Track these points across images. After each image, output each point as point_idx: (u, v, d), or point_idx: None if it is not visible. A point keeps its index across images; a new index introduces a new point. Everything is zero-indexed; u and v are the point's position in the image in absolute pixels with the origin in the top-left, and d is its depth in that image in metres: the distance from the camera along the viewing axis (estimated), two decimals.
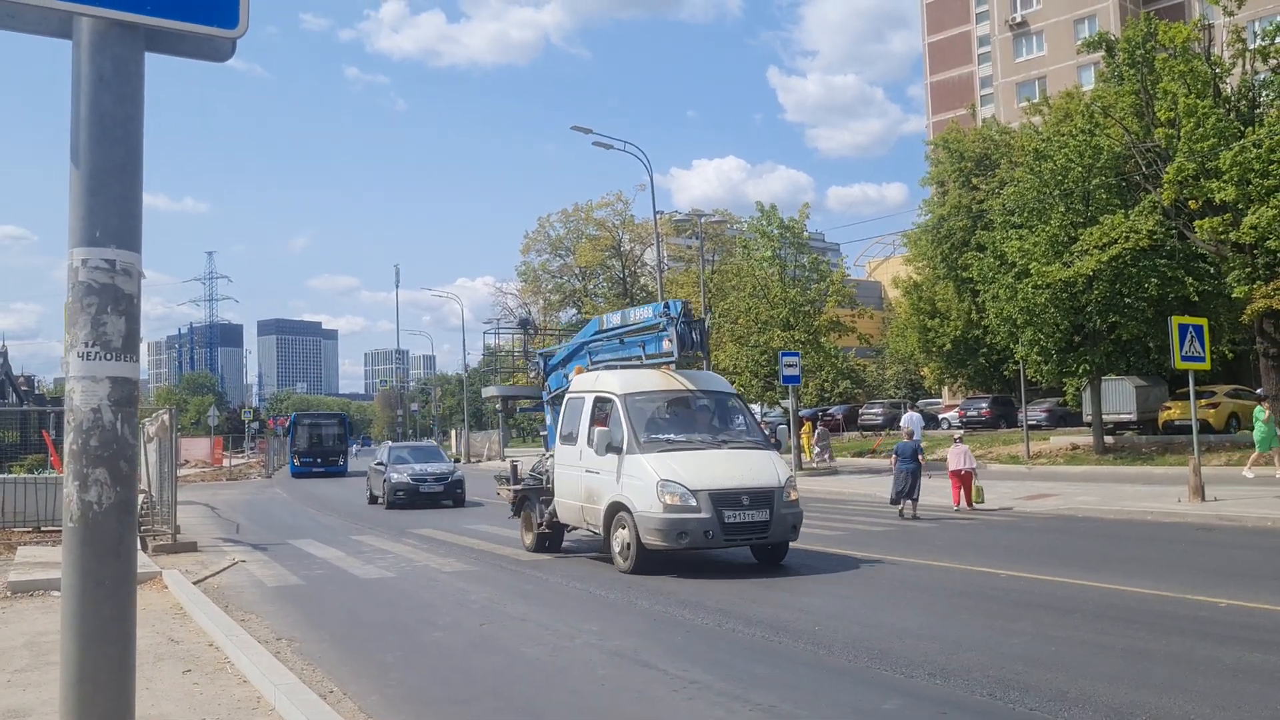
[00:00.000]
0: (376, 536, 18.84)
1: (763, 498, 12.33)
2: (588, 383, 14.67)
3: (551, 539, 15.34)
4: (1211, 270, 27.80)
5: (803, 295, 35.27)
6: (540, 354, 18.35)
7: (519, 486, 16.31)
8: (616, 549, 12.88)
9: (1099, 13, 62.23)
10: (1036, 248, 28.74)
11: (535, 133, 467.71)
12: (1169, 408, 33.85)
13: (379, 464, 28.21)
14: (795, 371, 29.52)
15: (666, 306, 14.33)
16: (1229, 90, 27.89)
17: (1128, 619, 9.17)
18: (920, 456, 19.52)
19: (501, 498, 17.43)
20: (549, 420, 16.97)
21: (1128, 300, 28.19)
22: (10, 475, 19.79)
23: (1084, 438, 33.49)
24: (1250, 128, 26.10)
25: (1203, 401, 29.78)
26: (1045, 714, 6.31)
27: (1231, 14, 26.60)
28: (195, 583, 12.51)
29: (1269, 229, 24.51)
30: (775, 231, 36.18)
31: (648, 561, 12.47)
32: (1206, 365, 19.78)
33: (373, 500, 28.14)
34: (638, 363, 15.19)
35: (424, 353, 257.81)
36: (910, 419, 30.59)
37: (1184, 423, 28.80)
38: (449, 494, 26.24)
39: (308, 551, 16.67)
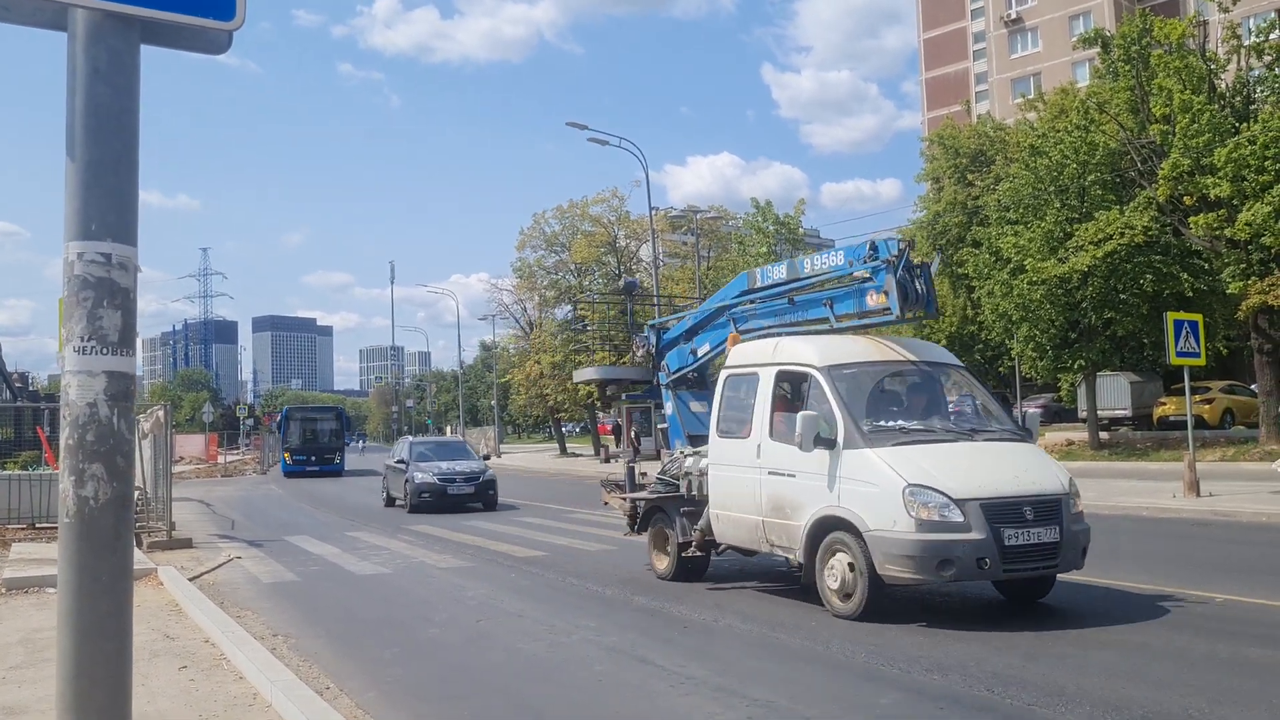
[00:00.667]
0: (372, 533, 18.82)
1: (1049, 510, 9.01)
2: (760, 354, 10.96)
3: (695, 564, 11.80)
4: (1206, 266, 27.84)
5: None
6: (650, 326, 14.73)
7: (646, 494, 12.76)
8: (831, 583, 9.23)
9: (1094, 9, 62.27)
10: (1032, 244, 28.77)
11: (529, 129, 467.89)
12: (1164, 403, 33.94)
13: (399, 462, 25.04)
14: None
15: (874, 248, 10.46)
16: (1224, 86, 27.91)
17: (1124, 615, 9.17)
18: None
19: (613, 508, 14.02)
20: (669, 408, 13.69)
21: (1123, 296, 28.23)
22: (5, 472, 19.73)
23: (1079, 433, 33.55)
24: (1245, 124, 26.12)
25: (1198, 397, 29.85)
26: (1043, 709, 6.31)
27: (1227, 10, 26.63)
28: (191, 579, 12.49)
29: (1264, 225, 24.54)
30: (771, 227, 36.20)
31: (881, 600, 9.11)
32: (1201, 361, 19.81)
33: (390, 503, 25.43)
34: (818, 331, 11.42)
35: (419, 349, 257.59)
36: None
37: (1179, 418, 28.88)
38: (480, 495, 23.47)
39: (303, 548, 16.64)
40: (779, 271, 11.93)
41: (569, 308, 51.42)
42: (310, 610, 10.96)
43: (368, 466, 49.74)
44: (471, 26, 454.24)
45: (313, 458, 44.47)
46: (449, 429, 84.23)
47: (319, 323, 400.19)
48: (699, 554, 11.60)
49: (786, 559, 10.24)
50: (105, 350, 2.87)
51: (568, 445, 60.15)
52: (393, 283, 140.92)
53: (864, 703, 6.66)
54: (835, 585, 9.21)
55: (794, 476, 9.72)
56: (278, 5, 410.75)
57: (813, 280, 11.43)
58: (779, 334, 11.44)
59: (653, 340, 14.32)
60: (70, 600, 2.84)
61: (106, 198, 2.91)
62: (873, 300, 10.36)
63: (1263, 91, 27.35)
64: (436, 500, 22.82)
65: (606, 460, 45.85)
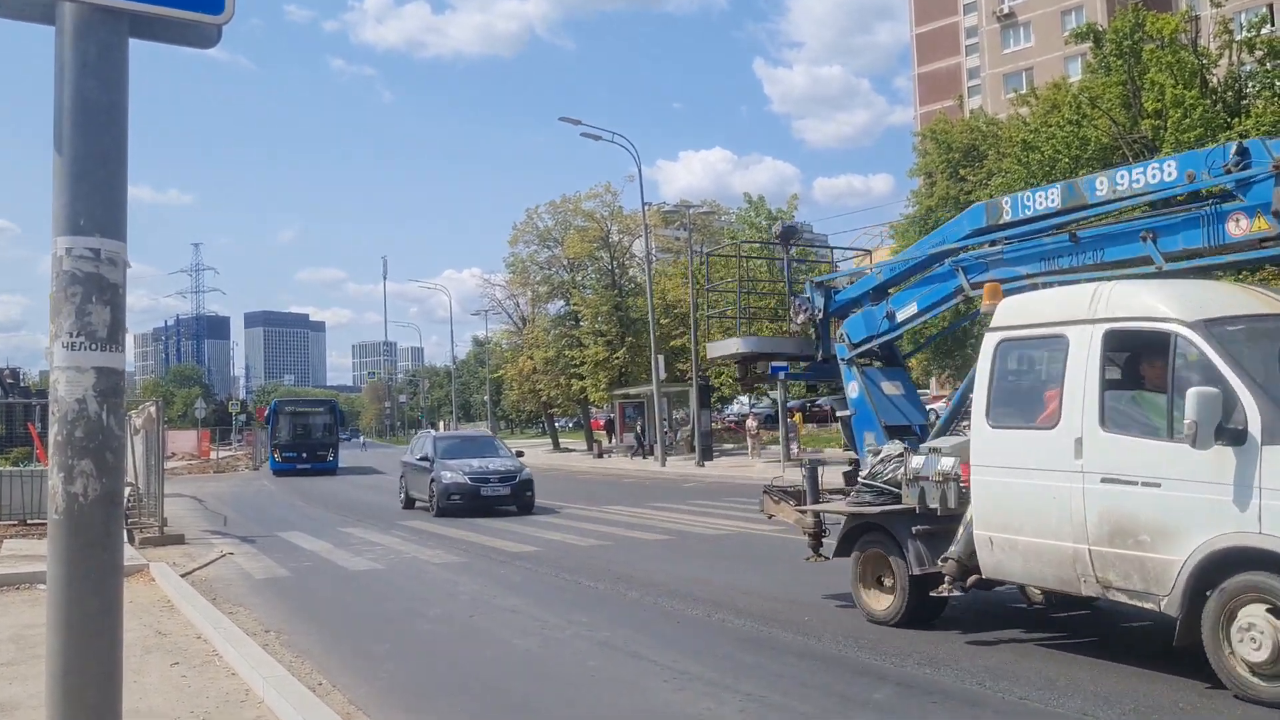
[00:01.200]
0: (365, 529, 18.80)
1: None
2: (1068, 307, 7.55)
3: (936, 604, 8.57)
4: None
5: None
6: (814, 283, 11.15)
7: (857, 507, 9.22)
8: (1248, 650, 6.07)
9: (1086, 4, 62.34)
10: None
11: (521, 124, 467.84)
12: None
13: (421, 459, 22.36)
14: (783, 363, 29.44)
15: (1242, 152, 7.25)
16: (1216, 81, 27.96)
17: (1114, 607, 9.19)
18: None
19: (793, 525, 10.84)
20: (854, 390, 10.25)
21: None
22: None
23: None
24: (1237, 119, 26.17)
25: None
26: (1035, 702, 6.33)
27: (1219, 5, 26.69)
28: (183, 575, 12.47)
29: None
30: (764, 222, 36.21)
31: None
32: None
33: (409, 504, 22.93)
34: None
35: (412, 345, 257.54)
36: None
37: None
38: (516, 497, 20.66)
39: (296, 544, 16.62)
40: (1049, 198, 8.61)
41: (562, 303, 51.33)
42: (303, 606, 10.94)
43: (367, 464, 49.68)
44: (463, 21, 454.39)
45: (304, 454, 41.27)
46: (442, 424, 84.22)
47: (311, 318, 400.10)
48: (946, 592, 8.19)
49: (1138, 606, 6.97)
50: (94, 346, 2.86)
51: (561, 441, 60.15)
52: (385, 278, 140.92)
53: (858, 697, 6.68)
54: (1256, 655, 6.06)
55: (1157, 486, 6.57)
56: (268, 0, 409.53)
57: (1111, 207, 8.39)
58: (1049, 285, 8.37)
59: (818, 303, 10.93)
60: (60, 597, 2.83)
61: (95, 193, 2.89)
62: (1240, 227, 7.26)
63: (1254, 86, 27.40)
64: (468, 503, 20.20)
65: (600, 456, 45.87)
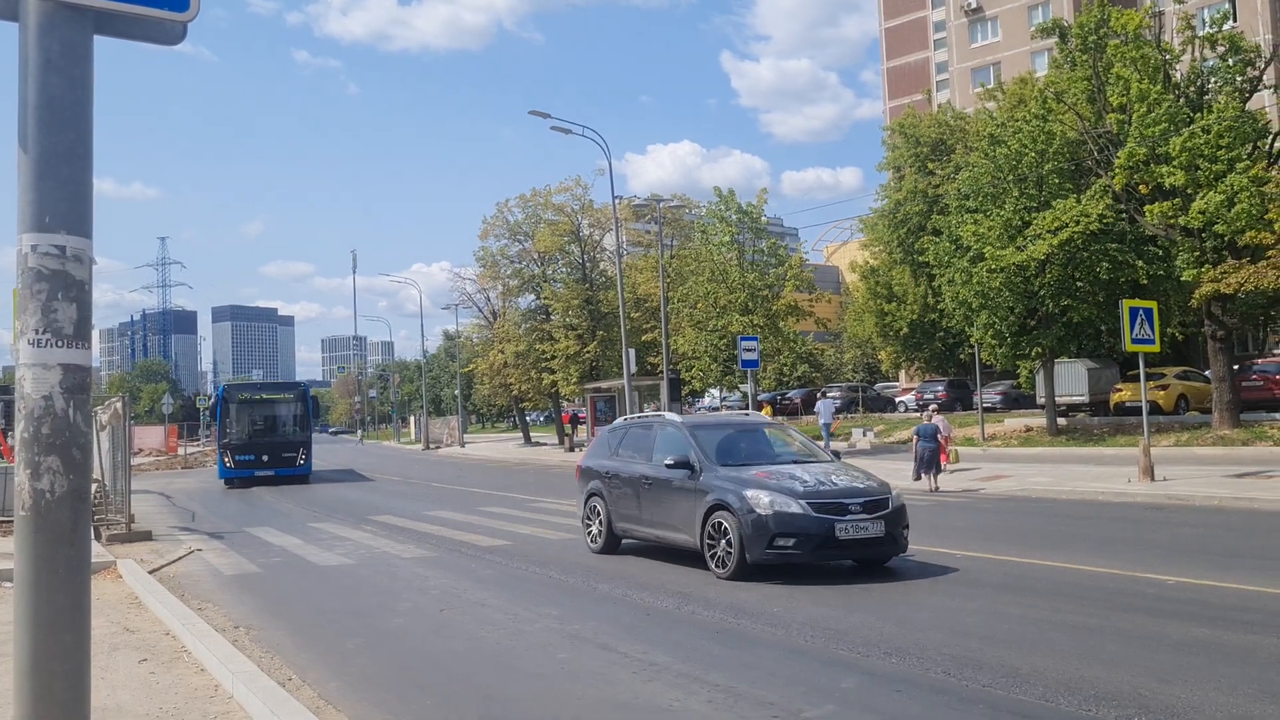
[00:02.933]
0: (334, 524, 18.74)
1: None
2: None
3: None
4: (1161, 254, 28.25)
5: (761, 280, 35.45)
6: None
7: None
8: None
9: None
10: (991, 232, 29.07)
11: (490, 117, 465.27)
12: (1120, 389, 34.42)
13: (675, 465, 12.13)
14: (753, 356, 29.62)
15: None
16: (1179, 77, 28.28)
17: (1079, 596, 9.35)
18: (940, 436, 21.33)
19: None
20: None
21: (1079, 284, 28.61)
22: None
23: (1038, 419, 33.97)
24: (1199, 114, 26.50)
25: (1153, 384, 30.32)
26: (998, 690, 6.43)
27: (1181, 1, 26.96)
28: (151, 572, 12.40)
29: (1216, 214, 24.93)
30: (733, 217, 36.30)
31: None
32: (1156, 348, 20.14)
33: (613, 544, 13.48)
34: None
35: (382, 339, 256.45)
36: (821, 405, 35.14)
37: (1135, 404, 29.33)
38: (889, 540, 11.14)
39: (265, 539, 16.54)
40: None
41: (532, 296, 51.23)
42: (272, 602, 10.91)
43: (343, 463, 48.72)
44: (430, 14, 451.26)
45: (263, 457, 31.75)
46: (412, 420, 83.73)
47: (280, 313, 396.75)
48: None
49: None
50: (60, 343, 2.87)
51: (532, 434, 60.07)
52: (355, 272, 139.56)
53: (824, 686, 6.75)
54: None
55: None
56: None
57: None
58: None
59: None
60: (27, 593, 2.84)
61: (60, 189, 2.90)
62: None
63: (1216, 82, 27.73)
64: (812, 552, 10.89)
65: (571, 449, 45.87)
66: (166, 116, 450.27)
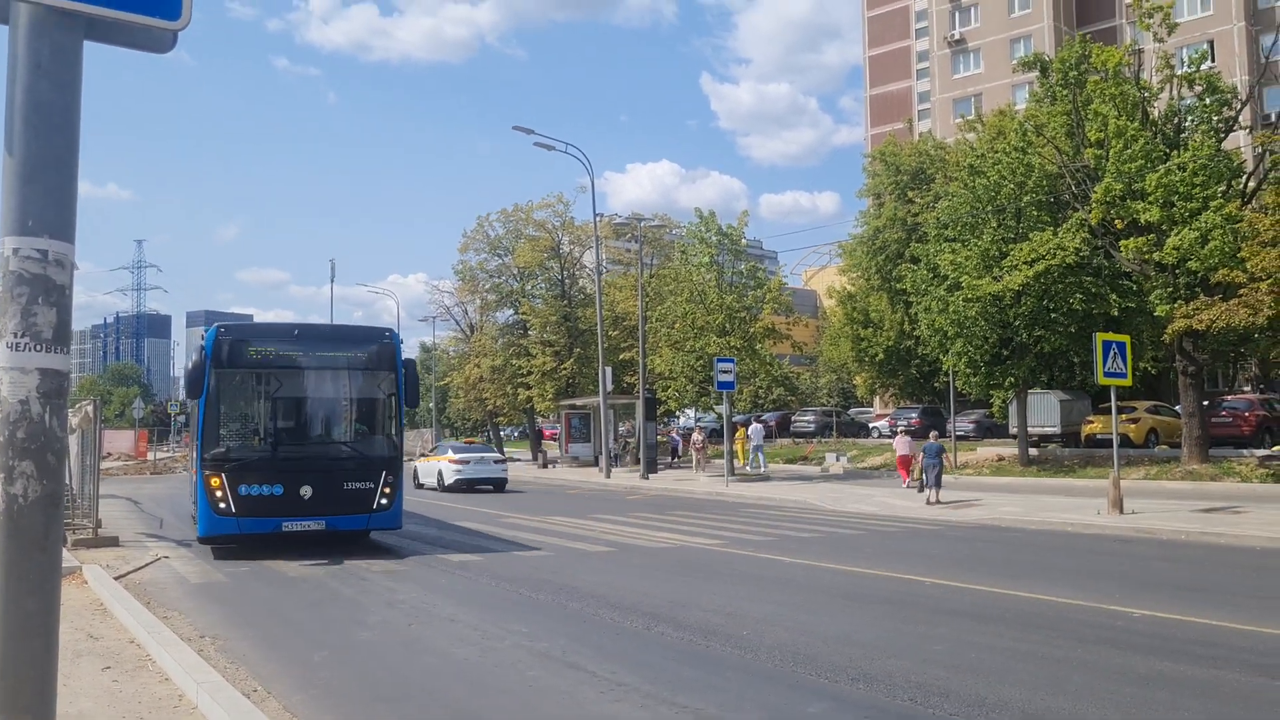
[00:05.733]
0: None
1: None
2: None
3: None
4: (1135, 288, 28.57)
5: (739, 302, 35.57)
6: None
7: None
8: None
9: (1034, 33, 63.58)
10: (968, 261, 29.31)
11: (470, 131, 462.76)
12: (1091, 422, 34.71)
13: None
14: (730, 378, 29.72)
15: None
16: (1156, 114, 28.67)
17: (1046, 627, 9.41)
18: (942, 455, 23.58)
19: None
20: None
21: (1054, 315, 28.88)
22: None
23: (1009, 449, 34.18)
24: (1175, 151, 26.87)
25: (1124, 417, 30.58)
26: (964, 719, 6.46)
27: (1161, 40, 27.35)
28: (117, 578, 12.27)
29: (1190, 250, 25.24)
30: (713, 238, 36.44)
31: None
32: (1128, 381, 20.34)
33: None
34: None
35: None
36: (753, 430, 37.13)
37: (1105, 437, 29.56)
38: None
39: (233, 548, 16.39)
40: None
41: (511, 312, 51.18)
42: (239, 611, 10.83)
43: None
44: (412, 25, 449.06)
45: (303, 491, 15.04)
46: None
47: (255, 319, 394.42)
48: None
49: None
50: (39, 347, 2.86)
51: (506, 450, 59.91)
52: (333, 281, 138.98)
53: (791, 711, 6.76)
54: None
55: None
56: None
57: None
58: None
59: None
60: None
61: (45, 194, 2.89)
62: None
63: (1193, 120, 28.12)
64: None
65: (545, 466, 45.76)
66: (143, 118, 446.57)
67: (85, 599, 10.96)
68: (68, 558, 13.37)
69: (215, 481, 14.49)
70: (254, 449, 15.14)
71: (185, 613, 10.53)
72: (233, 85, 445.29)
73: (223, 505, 14.54)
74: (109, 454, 51.23)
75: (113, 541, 16.34)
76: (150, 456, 54.55)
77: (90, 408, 17.67)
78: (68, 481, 17.70)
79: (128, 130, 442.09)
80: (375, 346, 16.07)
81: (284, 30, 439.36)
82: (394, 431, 16.07)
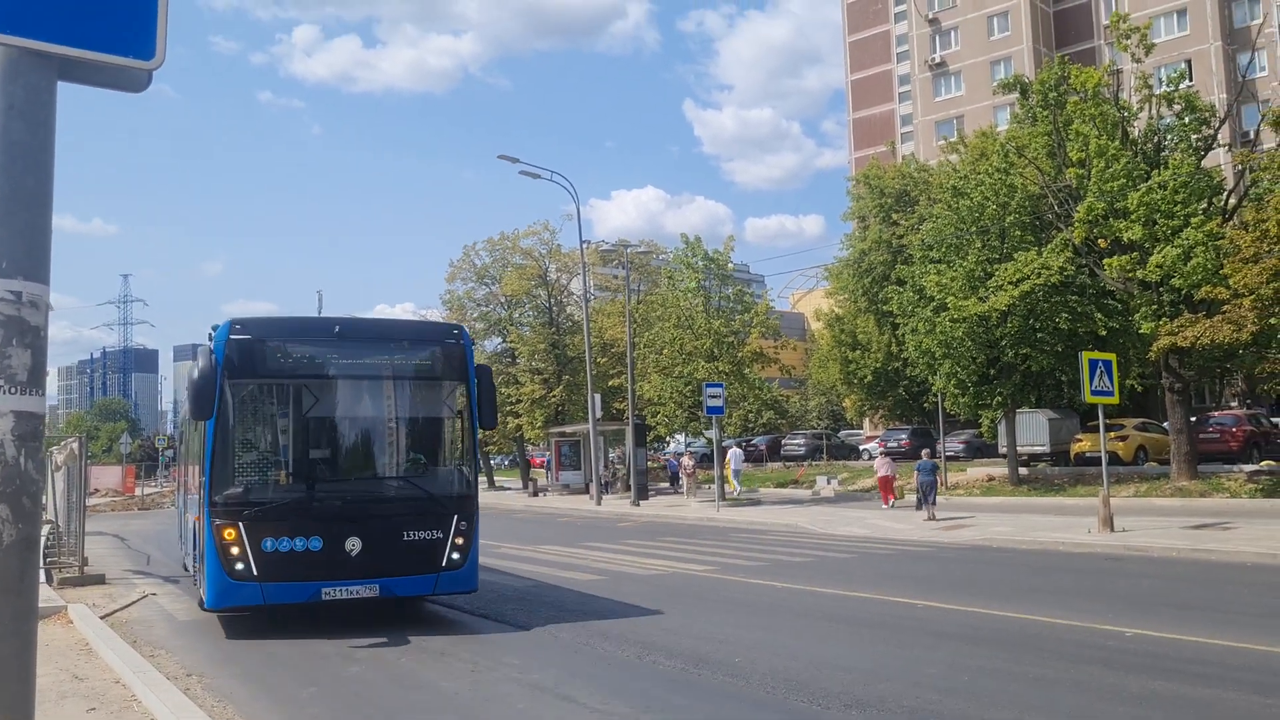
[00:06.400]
0: None
1: None
2: None
3: None
4: (1120, 306, 28.71)
5: (727, 326, 35.61)
6: None
7: None
8: None
9: (1014, 55, 64.13)
10: (954, 282, 29.43)
11: (455, 160, 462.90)
12: (1080, 440, 34.76)
13: None
14: (719, 402, 29.72)
15: None
16: (1136, 134, 28.91)
17: (1039, 648, 9.38)
18: (936, 473, 24.78)
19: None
20: None
21: (1040, 334, 29.00)
22: None
23: (999, 469, 34.20)
24: (1156, 170, 27.07)
25: (1112, 434, 30.66)
26: None
27: (1139, 60, 27.62)
28: (102, 617, 12.16)
29: (1173, 267, 25.39)
30: (700, 263, 36.52)
31: None
32: (1115, 399, 20.40)
33: None
34: None
35: None
36: (732, 454, 36.07)
37: (1094, 455, 29.60)
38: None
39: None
40: None
41: (499, 340, 51.16)
42: (227, 648, 10.73)
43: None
44: (395, 56, 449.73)
45: (349, 545, 11.09)
46: None
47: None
48: None
49: None
50: (14, 389, 2.83)
51: (496, 478, 59.70)
52: (320, 313, 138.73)
53: None
54: None
55: None
56: (194, 31, 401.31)
57: None
58: None
59: None
60: None
61: (18, 235, 2.87)
62: None
63: (1172, 139, 28.36)
64: None
65: (535, 494, 45.61)
66: (127, 153, 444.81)
67: (70, 639, 10.85)
68: (53, 597, 13.26)
69: (230, 533, 10.64)
70: (283, 488, 11.35)
71: (172, 651, 10.43)
72: (217, 119, 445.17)
73: (240, 566, 10.66)
74: (96, 490, 50.91)
75: (99, 579, 16.21)
76: (138, 492, 54.19)
77: (76, 444, 17.57)
78: (54, 519, 17.61)
79: (112, 165, 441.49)
80: (440, 349, 12.28)
81: (267, 64, 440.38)
82: (466, 462, 12.41)
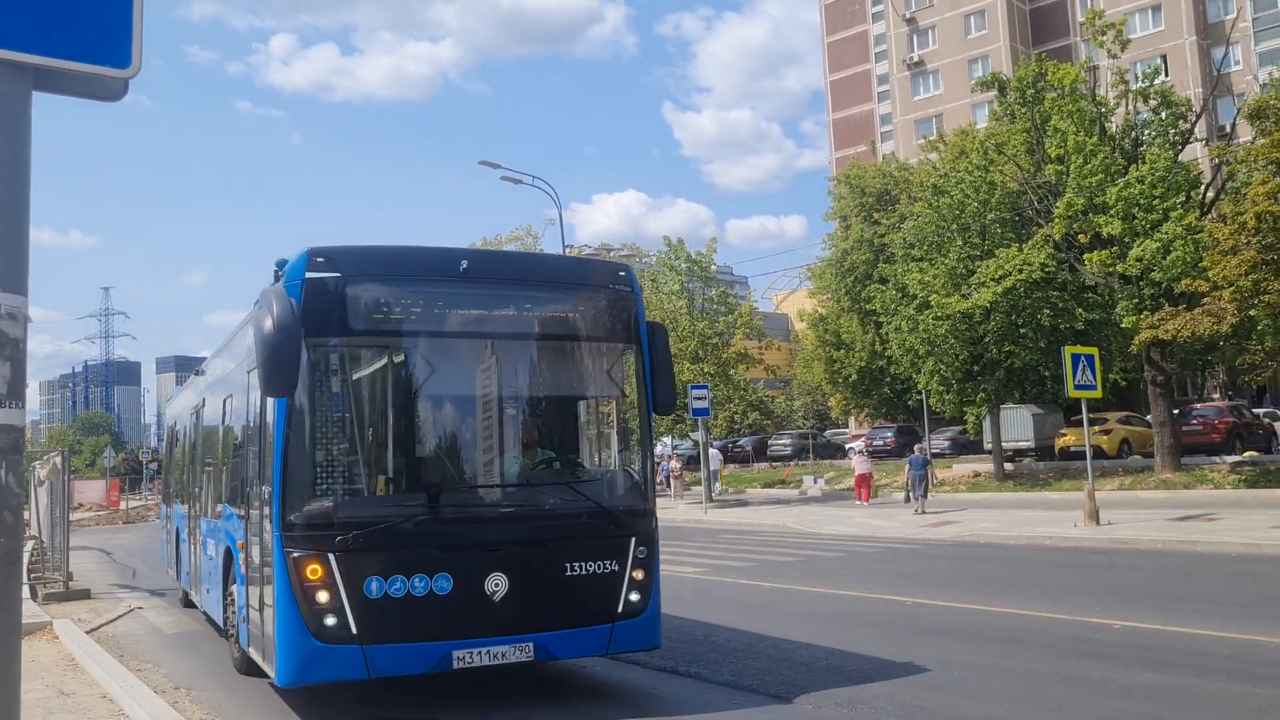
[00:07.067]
0: None
1: None
2: None
3: None
4: (1101, 301, 28.86)
5: (711, 328, 35.64)
6: None
7: None
8: None
9: (991, 53, 64.41)
10: (936, 280, 29.54)
11: (436, 167, 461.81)
12: (1064, 434, 34.93)
13: None
14: (704, 404, 29.71)
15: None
16: (1113, 129, 29.07)
17: (1028, 642, 9.41)
18: (927, 467, 25.89)
19: None
20: None
21: (1023, 330, 29.13)
22: None
23: (985, 465, 34.32)
24: (1134, 165, 27.22)
25: (1096, 428, 30.80)
26: None
27: (1115, 56, 27.77)
28: (88, 632, 12.07)
29: (1153, 261, 25.53)
30: (683, 265, 36.55)
31: None
32: (1099, 393, 20.50)
33: None
34: None
35: None
36: (712, 454, 35.98)
37: (1079, 449, 29.77)
38: None
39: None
40: None
41: None
42: (215, 660, 10.64)
43: None
44: (373, 64, 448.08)
45: (493, 586, 7.46)
46: None
47: None
48: None
49: None
50: None
51: None
52: None
53: None
54: None
55: None
56: (170, 41, 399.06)
57: None
58: None
59: None
60: None
61: None
62: None
63: (1149, 134, 28.53)
64: None
65: None
66: (105, 164, 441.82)
67: (56, 654, 10.77)
68: (38, 612, 13.16)
69: (315, 570, 7.09)
70: (391, 502, 7.62)
71: (160, 664, 10.35)
72: (195, 129, 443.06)
73: (331, 621, 7.11)
74: (80, 505, 50.60)
75: (84, 594, 16.09)
76: (122, 506, 53.91)
77: (59, 459, 17.46)
78: (37, 534, 17.49)
79: (91, 177, 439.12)
80: (604, 297, 8.54)
81: (245, 73, 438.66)
82: (641, 460, 8.64)
